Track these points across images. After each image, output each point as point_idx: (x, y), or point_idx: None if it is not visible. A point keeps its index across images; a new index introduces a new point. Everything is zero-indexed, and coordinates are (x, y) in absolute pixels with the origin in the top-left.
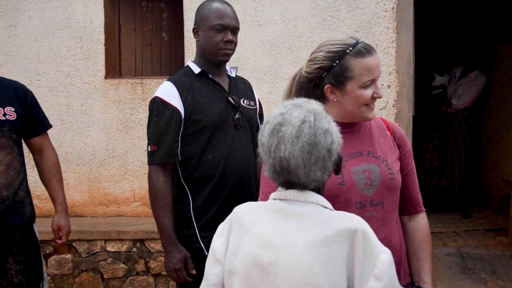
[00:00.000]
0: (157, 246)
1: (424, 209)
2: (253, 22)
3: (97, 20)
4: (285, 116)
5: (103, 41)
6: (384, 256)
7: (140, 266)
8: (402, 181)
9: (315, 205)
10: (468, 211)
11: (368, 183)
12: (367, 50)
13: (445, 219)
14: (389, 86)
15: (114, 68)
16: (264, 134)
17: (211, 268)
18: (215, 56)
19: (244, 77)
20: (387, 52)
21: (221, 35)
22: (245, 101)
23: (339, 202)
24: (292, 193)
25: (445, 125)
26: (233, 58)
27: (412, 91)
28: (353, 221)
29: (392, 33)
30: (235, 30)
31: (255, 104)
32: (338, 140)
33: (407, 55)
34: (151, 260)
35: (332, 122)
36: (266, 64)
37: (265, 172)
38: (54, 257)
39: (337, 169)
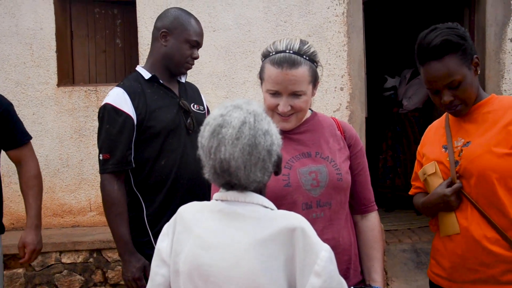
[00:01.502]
0: (114, 255)
1: (376, 208)
2: (208, 28)
3: (47, 27)
4: (225, 117)
5: (54, 48)
6: (324, 253)
7: (98, 277)
8: (353, 180)
9: (255, 205)
10: None
11: (315, 184)
12: (280, 63)
13: (400, 217)
14: (341, 89)
15: (67, 75)
16: (204, 135)
17: (157, 268)
18: (179, 68)
19: (200, 82)
20: (339, 56)
21: (191, 50)
22: (195, 106)
23: (285, 203)
24: (232, 194)
25: (397, 126)
26: None
27: (364, 93)
28: (292, 219)
29: (343, 37)
30: (199, 47)
31: (204, 109)
32: (277, 141)
33: (359, 58)
34: (108, 270)
35: (271, 123)
36: (221, 69)
37: (205, 174)
38: (5, 272)
39: (277, 170)
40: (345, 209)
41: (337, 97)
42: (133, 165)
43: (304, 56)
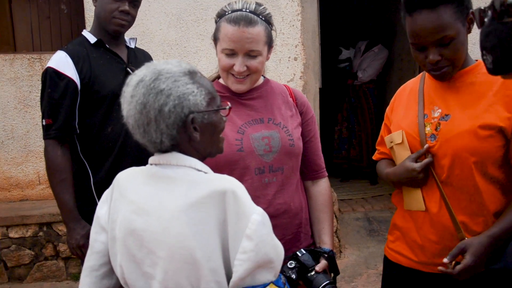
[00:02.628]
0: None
1: (327, 175)
2: None
3: None
4: (132, 76)
5: None
6: (255, 216)
7: (49, 251)
8: (304, 147)
9: (187, 168)
10: (375, 178)
11: (268, 149)
12: (236, 20)
13: (354, 187)
14: (295, 59)
15: (8, 42)
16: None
17: (96, 235)
18: (109, 25)
19: (151, 51)
20: (293, 25)
21: (117, 4)
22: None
23: (238, 168)
24: (165, 157)
25: (352, 97)
26: (138, 31)
27: (318, 63)
28: (224, 182)
29: (297, 6)
30: (134, 1)
31: None
32: (179, 102)
33: (312, 28)
34: (60, 244)
35: (178, 84)
36: (172, 38)
37: None
38: None
39: (192, 134)
40: (297, 175)
41: (291, 67)
42: (78, 130)
43: (260, 16)
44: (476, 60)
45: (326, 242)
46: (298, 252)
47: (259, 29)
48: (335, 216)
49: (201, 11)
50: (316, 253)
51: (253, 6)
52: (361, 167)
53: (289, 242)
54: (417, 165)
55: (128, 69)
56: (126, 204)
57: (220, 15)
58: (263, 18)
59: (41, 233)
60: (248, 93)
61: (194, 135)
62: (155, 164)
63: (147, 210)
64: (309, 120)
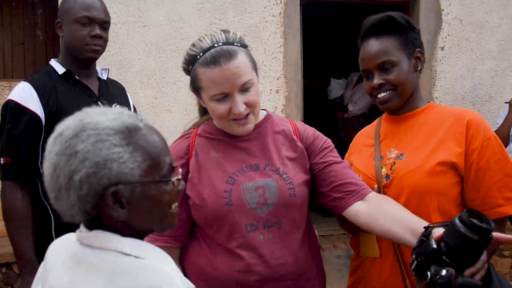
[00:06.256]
0: None
1: (372, 191)
2: (137, 23)
3: None
4: (59, 125)
5: None
6: None
7: None
8: (327, 171)
9: (112, 252)
10: None
11: (262, 201)
12: (214, 60)
13: (336, 222)
14: (277, 91)
15: None
16: None
17: None
18: (81, 52)
19: (128, 81)
20: (275, 57)
21: (87, 29)
22: (117, 106)
23: (226, 225)
24: (87, 236)
25: (341, 131)
26: (115, 60)
27: (300, 96)
28: (151, 277)
29: (279, 38)
30: (104, 24)
31: (130, 110)
32: (96, 171)
33: (295, 60)
34: None
35: (107, 148)
36: (151, 68)
37: None
38: None
39: (112, 209)
40: (301, 228)
41: (273, 99)
42: (41, 170)
43: (235, 44)
44: (429, 102)
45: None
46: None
47: (241, 58)
48: None
49: (181, 41)
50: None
51: (223, 37)
52: None
53: None
54: None
55: (99, 102)
56: None
57: (191, 62)
58: (238, 44)
59: None
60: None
61: (115, 213)
62: (80, 242)
63: None
64: (320, 149)
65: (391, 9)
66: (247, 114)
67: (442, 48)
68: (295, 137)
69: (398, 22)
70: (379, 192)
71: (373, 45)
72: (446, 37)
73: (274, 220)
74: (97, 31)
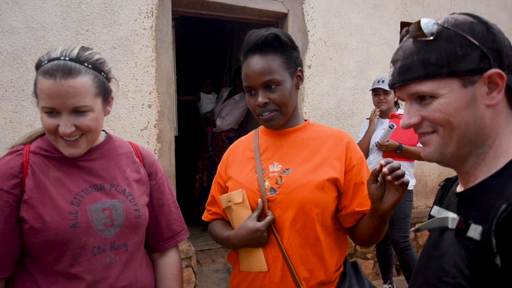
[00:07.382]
0: None
1: (186, 236)
2: None
3: None
4: None
5: None
6: None
7: None
8: (156, 213)
9: None
10: None
11: (109, 223)
12: (52, 72)
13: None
14: (150, 106)
15: None
16: None
17: None
18: None
19: None
20: (147, 71)
21: None
22: None
23: (71, 248)
24: None
25: (209, 146)
26: None
27: (174, 111)
28: None
29: (151, 52)
30: None
31: None
32: None
33: (167, 75)
34: None
35: None
36: (8, 79)
37: None
38: None
39: None
40: (141, 249)
41: (145, 114)
42: None
43: (85, 64)
44: (305, 120)
45: None
46: None
47: (83, 80)
48: (193, 271)
49: (43, 51)
50: None
51: (75, 52)
52: None
53: None
54: (260, 224)
55: None
56: None
57: (36, 66)
58: (89, 66)
59: None
60: (85, 153)
61: None
62: None
63: None
64: (159, 182)
65: (261, 27)
66: (80, 137)
67: (309, 67)
68: (137, 159)
69: (283, 40)
70: (263, 206)
71: (257, 63)
72: (312, 56)
73: (121, 242)
74: None
